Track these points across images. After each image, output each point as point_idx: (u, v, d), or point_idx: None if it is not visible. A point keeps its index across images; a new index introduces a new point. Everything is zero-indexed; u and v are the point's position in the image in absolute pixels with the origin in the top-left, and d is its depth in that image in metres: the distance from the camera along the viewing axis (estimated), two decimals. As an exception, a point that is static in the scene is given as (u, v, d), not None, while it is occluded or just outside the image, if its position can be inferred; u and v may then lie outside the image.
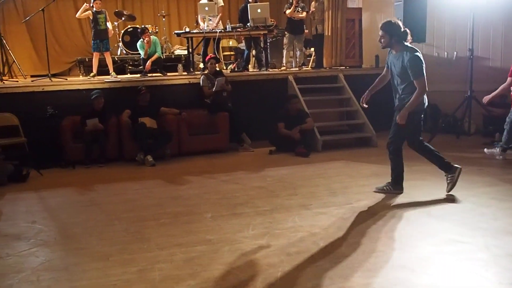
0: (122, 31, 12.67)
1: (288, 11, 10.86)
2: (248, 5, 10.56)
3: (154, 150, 8.22)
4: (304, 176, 6.98)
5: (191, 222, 5.17)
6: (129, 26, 12.82)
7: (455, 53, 10.36)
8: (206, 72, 9.44)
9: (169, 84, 9.52)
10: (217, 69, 9.62)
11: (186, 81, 9.62)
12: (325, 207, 5.50)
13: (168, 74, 10.54)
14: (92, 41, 10.30)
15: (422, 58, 5.52)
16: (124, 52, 12.54)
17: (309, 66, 11.86)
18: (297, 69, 11.01)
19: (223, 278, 3.82)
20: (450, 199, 5.66)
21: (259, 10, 10.33)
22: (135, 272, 3.98)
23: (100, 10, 10.09)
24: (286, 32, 11.28)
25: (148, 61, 10.27)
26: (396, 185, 5.92)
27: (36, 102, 8.48)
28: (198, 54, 12.07)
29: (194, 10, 13.61)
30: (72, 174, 7.74)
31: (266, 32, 10.59)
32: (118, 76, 10.41)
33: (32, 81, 9.75)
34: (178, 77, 9.93)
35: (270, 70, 10.89)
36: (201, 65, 11.32)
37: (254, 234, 4.75)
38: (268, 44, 10.99)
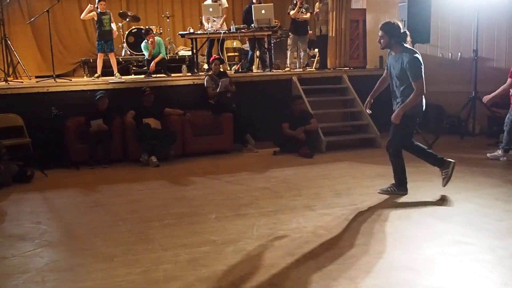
0: (127, 32, 12.68)
1: (292, 12, 10.86)
2: (252, 6, 10.56)
3: (158, 151, 8.22)
4: (308, 177, 6.98)
5: (195, 223, 5.17)
6: (133, 27, 12.82)
7: (459, 53, 10.34)
8: (210, 73, 9.44)
9: (173, 85, 9.52)
10: (221, 70, 9.62)
11: (190, 82, 9.62)
12: (330, 208, 5.50)
13: (172, 75, 10.54)
14: (97, 42, 10.32)
15: (421, 60, 5.51)
16: (129, 53, 12.55)
17: (313, 67, 11.86)
18: (301, 70, 11.01)
19: (227, 279, 3.82)
20: (454, 200, 5.65)
21: (263, 11, 10.33)
22: (139, 273, 3.99)
23: (104, 11, 10.11)
24: (290, 33, 11.28)
25: (152, 62, 10.28)
26: (400, 186, 5.92)
27: (41, 102, 8.49)
28: (202, 55, 12.07)
29: (198, 11, 13.61)
30: (76, 175, 7.75)
31: (270, 33, 10.59)
32: (123, 77, 10.42)
33: (36, 81, 9.78)
34: (182, 78, 9.94)
35: (274, 71, 10.89)
36: (205, 66, 11.34)
37: (258, 235, 4.75)
38: (272, 45, 10.99)
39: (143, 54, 10.71)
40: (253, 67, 11.56)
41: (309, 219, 5.15)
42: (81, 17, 10.57)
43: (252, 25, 10.45)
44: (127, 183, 7.07)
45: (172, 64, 11.47)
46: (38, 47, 13.04)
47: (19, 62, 10.73)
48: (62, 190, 6.86)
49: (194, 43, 10.72)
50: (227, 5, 11.24)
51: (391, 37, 5.57)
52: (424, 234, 4.65)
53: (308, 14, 10.93)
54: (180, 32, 11.19)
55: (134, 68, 12.01)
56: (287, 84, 9.92)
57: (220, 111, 8.98)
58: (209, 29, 10.57)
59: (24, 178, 7.26)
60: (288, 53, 11.45)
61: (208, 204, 5.86)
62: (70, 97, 8.80)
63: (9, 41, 10.49)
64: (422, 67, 5.48)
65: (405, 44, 5.61)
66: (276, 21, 10.94)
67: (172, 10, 14.36)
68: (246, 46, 12.04)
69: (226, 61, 12.43)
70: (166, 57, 10.82)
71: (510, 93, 7.52)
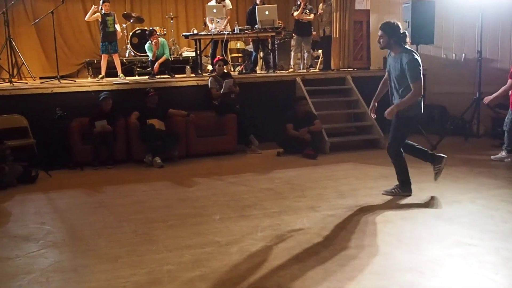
0: (130, 33, 12.71)
1: (295, 13, 10.86)
2: (256, 7, 10.57)
3: (162, 151, 8.23)
4: (312, 178, 6.97)
5: (200, 224, 5.18)
6: (137, 28, 12.85)
7: (463, 54, 10.33)
8: (214, 74, 9.45)
9: (177, 86, 9.53)
10: (225, 71, 9.63)
11: (194, 83, 9.62)
12: (334, 209, 5.50)
13: (176, 76, 10.54)
14: (101, 43, 10.36)
15: (420, 61, 5.52)
16: (132, 54, 12.58)
17: (317, 68, 11.85)
18: (305, 71, 11.01)
19: (231, 280, 3.82)
20: (458, 201, 5.65)
21: (267, 12, 10.33)
22: (144, 273, 4.00)
23: (108, 12, 10.14)
24: (293, 34, 11.28)
25: (156, 63, 10.28)
26: (404, 187, 5.91)
27: (45, 103, 8.51)
28: (206, 56, 12.09)
29: (202, 12, 13.64)
30: (80, 176, 7.76)
31: (274, 34, 10.59)
32: (127, 78, 10.44)
33: (41, 82, 9.80)
34: (186, 79, 9.94)
35: (278, 72, 10.89)
36: (209, 67, 11.35)
37: (262, 236, 4.75)
38: (275, 46, 10.99)
39: (147, 55, 10.73)
40: (257, 68, 11.56)
41: (313, 220, 5.15)
42: (86, 18, 10.60)
43: (256, 26, 10.45)
44: (131, 184, 7.08)
45: (176, 65, 11.49)
46: (43, 48, 13.08)
47: (23, 63, 10.76)
48: (66, 190, 6.87)
49: (198, 44, 10.72)
50: (231, 7, 11.24)
51: (390, 37, 5.58)
52: (428, 235, 4.64)
53: (312, 15, 10.94)
54: (184, 33, 11.19)
55: (138, 69, 12.04)
56: (290, 85, 9.93)
57: (224, 112, 8.99)
58: (213, 30, 10.57)
59: (28, 179, 7.27)
60: (292, 54, 11.45)
61: (212, 205, 5.86)
62: (74, 98, 8.81)
63: (13, 42, 10.50)
64: (421, 68, 5.49)
65: (405, 45, 5.61)
66: (280, 22, 10.94)
67: (176, 11, 14.39)
68: (250, 47, 12.05)
69: (229, 62, 12.44)
70: (170, 58, 10.84)
71: (510, 93, 7.52)
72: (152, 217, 5.46)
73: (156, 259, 4.28)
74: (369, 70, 11.15)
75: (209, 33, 10.68)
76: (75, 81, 10.25)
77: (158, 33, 10.89)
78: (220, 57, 9.81)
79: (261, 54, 11.50)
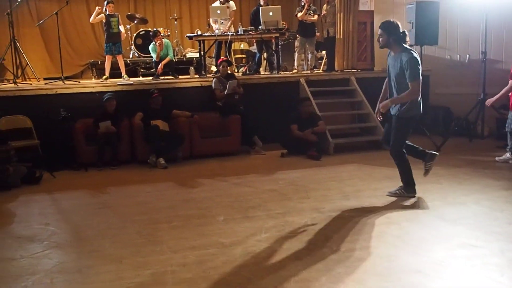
0: (135, 34, 12.71)
1: (299, 14, 10.86)
2: (260, 8, 10.57)
3: (166, 152, 8.24)
4: (316, 179, 6.97)
5: (204, 225, 5.18)
6: (141, 29, 12.85)
7: (467, 55, 10.31)
8: (218, 75, 9.45)
9: (181, 87, 9.54)
10: (229, 72, 9.63)
11: (198, 84, 9.63)
12: (338, 210, 5.49)
13: (180, 77, 10.55)
14: (105, 44, 10.36)
15: (420, 61, 5.53)
16: (136, 55, 12.58)
17: (321, 69, 11.84)
18: (309, 72, 11.00)
19: (236, 281, 3.82)
20: (463, 202, 5.63)
21: (270, 13, 10.33)
22: (148, 275, 4.00)
23: (113, 13, 10.16)
24: (297, 35, 11.27)
25: (160, 64, 10.29)
26: (408, 188, 5.91)
27: (49, 104, 8.53)
28: (210, 57, 12.09)
29: (206, 13, 13.62)
30: (84, 177, 7.77)
31: (277, 35, 10.58)
32: (131, 78, 10.44)
33: (45, 83, 9.81)
34: (190, 80, 9.94)
35: (282, 73, 10.88)
36: (213, 68, 11.35)
37: (266, 237, 4.75)
38: (279, 47, 10.98)
39: (151, 56, 10.73)
40: (261, 69, 11.56)
41: (317, 222, 5.14)
42: (90, 21, 10.63)
43: (260, 27, 10.45)
44: (135, 184, 7.09)
45: (179, 66, 11.49)
46: (47, 49, 13.09)
47: (27, 64, 10.79)
48: (71, 191, 6.88)
49: (201, 45, 10.72)
50: (235, 8, 11.23)
51: (389, 35, 5.58)
52: (433, 236, 4.63)
53: (316, 16, 10.93)
54: (188, 34, 11.20)
55: (142, 70, 12.04)
56: (294, 86, 9.92)
57: (227, 113, 8.99)
58: (217, 31, 10.58)
59: (32, 180, 7.29)
60: (296, 55, 11.44)
61: (216, 206, 5.86)
62: (79, 99, 8.83)
63: (18, 43, 10.53)
64: (420, 68, 5.49)
65: (404, 45, 5.60)
66: (284, 23, 10.93)
67: (180, 12, 14.38)
68: (254, 48, 12.04)
69: (233, 63, 12.44)
70: (174, 59, 10.84)
71: (510, 94, 7.50)
72: (156, 218, 5.47)
73: (160, 260, 4.28)
74: (373, 71, 11.13)
75: (213, 34, 10.68)
76: (79, 82, 10.27)
77: (162, 34, 10.89)
78: (224, 58, 9.82)
79: (265, 55, 11.50)
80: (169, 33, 12.85)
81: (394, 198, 5.86)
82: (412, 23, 8.92)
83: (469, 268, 3.91)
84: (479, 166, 7.31)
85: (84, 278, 4.00)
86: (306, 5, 10.75)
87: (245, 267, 4.08)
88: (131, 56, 12.57)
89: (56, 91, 8.81)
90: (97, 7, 10.42)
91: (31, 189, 7.02)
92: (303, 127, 8.66)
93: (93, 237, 4.98)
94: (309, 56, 11.20)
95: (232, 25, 10.97)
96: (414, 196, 5.86)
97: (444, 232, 4.73)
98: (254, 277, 3.87)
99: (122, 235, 4.99)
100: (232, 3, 11.02)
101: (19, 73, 10.79)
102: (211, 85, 9.20)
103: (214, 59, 11.57)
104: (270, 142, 9.10)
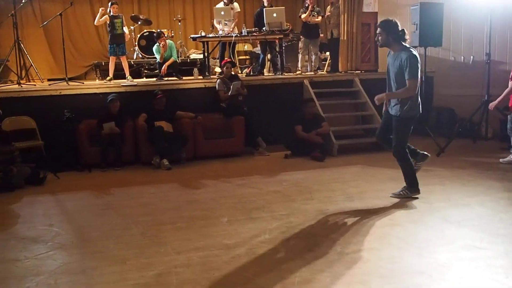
0: (138, 35, 12.74)
1: (303, 16, 10.87)
2: (264, 9, 10.58)
3: (170, 153, 8.24)
4: (320, 181, 6.96)
5: (208, 226, 5.18)
6: (145, 30, 12.88)
7: (471, 57, 10.28)
8: (222, 76, 9.45)
9: (184, 88, 9.55)
10: (233, 73, 9.63)
11: (202, 85, 9.63)
12: (342, 211, 5.49)
13: (184, 78, 10.56)
14: (109, 45, 10.39)
15: (419, 60, 5.54)
16: (140, 56, 12.60)
17: (325, 70, 11.84)
18: (313, 73, 11.00)
19: (240, 283, 3.82)
20: (467, 204, 5.62)
21: (274, 15, 10.33)
22: (152, 276, 4.00)
23: (117, 14, 10.19)
24: (301, 36, 11.27)
25: (164, 65, 10.29)
26: (412, 188, 5.89)
27: (53, 105, 8.54)
28: (214, 58, 12.10)
29: (210, 14, 13.64)
30: (88, 178, 7.78)
31: (281, 36, 10.58)
32: (134, 80, 10.47)
33: (49, 84, 9.85)
34: (194, 81, 9.95)
35: (286, 74, 10.88)
36: (217, 69, 11.35)
37: (270, 238, 4.75)
38: (283, 48, 10.98)
39: (155, 57, 10.75)
40: (264, 70, 11.56)
41: (321, 223, 5.14)
42: (95, 23, 10.67)
43: (264, 28, 10.46)
44: (139, 186, 7.09)
45: (183, 67, 11.50)
46: (51, 50, 13.11)
47: (31, 65, 10.81)
48: (74, 192, 6.89)
49: (205, 46, 10.73)
50: (239, 9, 11.23)
51: (388, 34, 5.59)
52: (437, 238, 4.62)
53: (320, 18, 10.93)
54: (192, 35, 11.21)
55: (146, 71, 12.06)
56: (298, 87, 9.92)
57: (231, 114, 8.99)
58: (221, 32, 10.58)
59: (36, 181, 7.30)
60: (300, 56, 11.44)
61: (220, 207, 5.86)
62: (82, 100, 8.84)
63: (22, 44, 10.56)
64: (419, 67, 5.49)
65: (404, 44, 5.60)
66: (288, 24, 10.93)
67: (184, 13, 14.40)
68: (258, 50, 12.05)
69: (237, 64, 12.44)
70: (177, 60, 10.85)
71: (511, 96, 7.49)
72: (160, 219, 5.47)
73: (164, 261, 4.28)
74: (377, 73, 11.10)
75: (216, 36, 10.68)
76: (83, 83, 10.29)
77: (165, 35, 10.92)
78: (228, 59, 9.83)
79: (269, 56, 11.50)
80: (173, 34, 12.87)
81: (397, 200, 5.85)
82: (416, 24, 8.90)
83: (473, 270, 3.90)
84: (483, 167, 7.29)
85: (88, 279, 4.01)
86: (310, 7, 10.77)
87: (249, 268, 4.08)
88: (135, 57, 12.60)
89: (60, 92, 8.83)
90: (100, 8, 10.45)
91: (35, 190, 7.03)
92: (307, 128, 8.66)
93: (97, 238, 4.98)
94: (313, 57, 11.21)
95: (236, 27, 10.98)
96: (418, 197, 5.84)
97: (448, 234, 4.72)
98: (258, 279, 3.87)
99: (126, 236, 5.00)
100: (236, 5, 11.04)
101: (23, 74, 10.81)
102: (215, 86, 9.21)
103: (218, 60, 11.60)
104: (274, 143, 9.10)
